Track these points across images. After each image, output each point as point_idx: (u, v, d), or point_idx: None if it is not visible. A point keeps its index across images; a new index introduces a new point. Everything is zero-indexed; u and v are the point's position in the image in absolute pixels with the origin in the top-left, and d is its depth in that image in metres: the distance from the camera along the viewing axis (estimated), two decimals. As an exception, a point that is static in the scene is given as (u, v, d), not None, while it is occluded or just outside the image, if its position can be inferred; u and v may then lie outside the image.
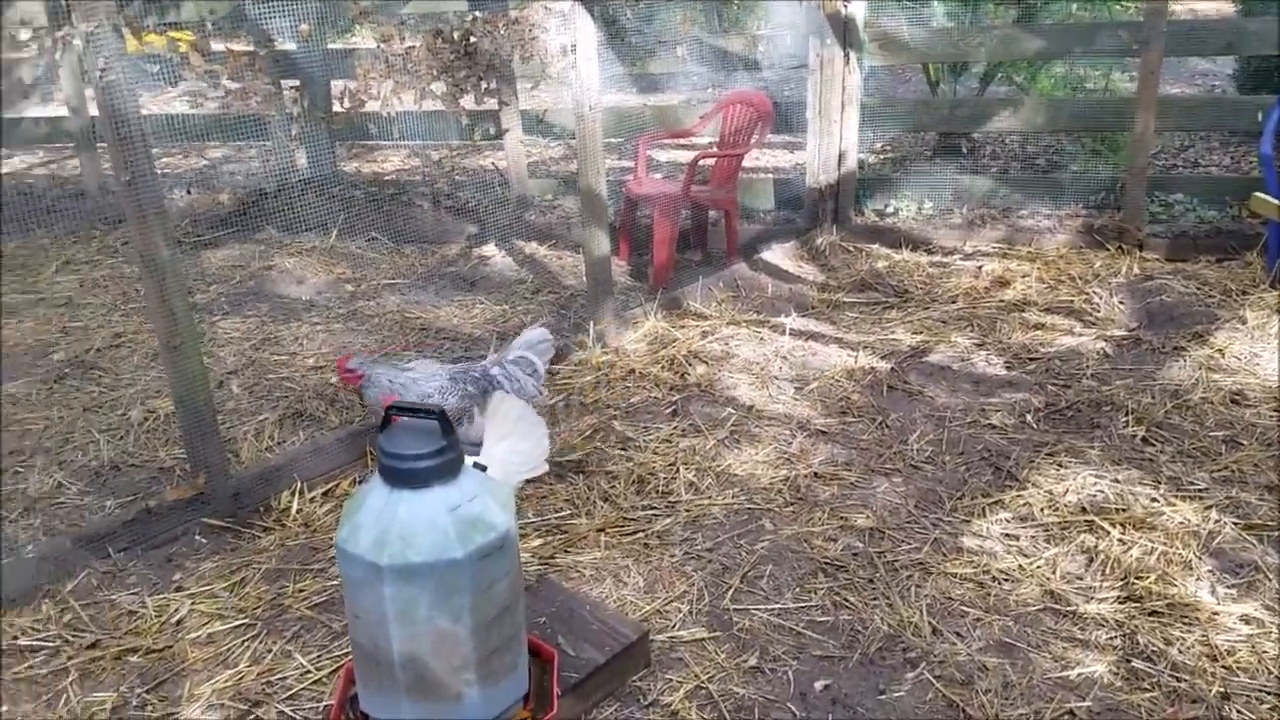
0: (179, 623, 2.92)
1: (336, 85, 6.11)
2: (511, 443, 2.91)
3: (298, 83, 6.35)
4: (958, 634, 2.80)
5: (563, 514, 3.41)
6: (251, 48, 5.68)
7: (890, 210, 6.28)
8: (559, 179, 6.97)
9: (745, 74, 6.64)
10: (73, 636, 2.86)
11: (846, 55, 5.67)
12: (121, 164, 3.07)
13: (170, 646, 2.83)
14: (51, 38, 4.24)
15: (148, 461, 3.77)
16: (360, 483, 3.52)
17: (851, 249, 5.86)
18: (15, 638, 2.82)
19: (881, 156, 7.52)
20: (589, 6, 4.23)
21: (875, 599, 2.97)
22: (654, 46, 6.90)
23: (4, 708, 2.61)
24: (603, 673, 2.57)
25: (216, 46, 4.88)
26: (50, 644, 2.81)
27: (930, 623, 2.84)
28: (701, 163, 5.48)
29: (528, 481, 3.54)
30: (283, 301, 5.32)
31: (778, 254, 5.73)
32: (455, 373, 3.61)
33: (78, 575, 3.10)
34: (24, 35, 4.44)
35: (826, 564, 3.13)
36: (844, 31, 5.63)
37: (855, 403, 4.12)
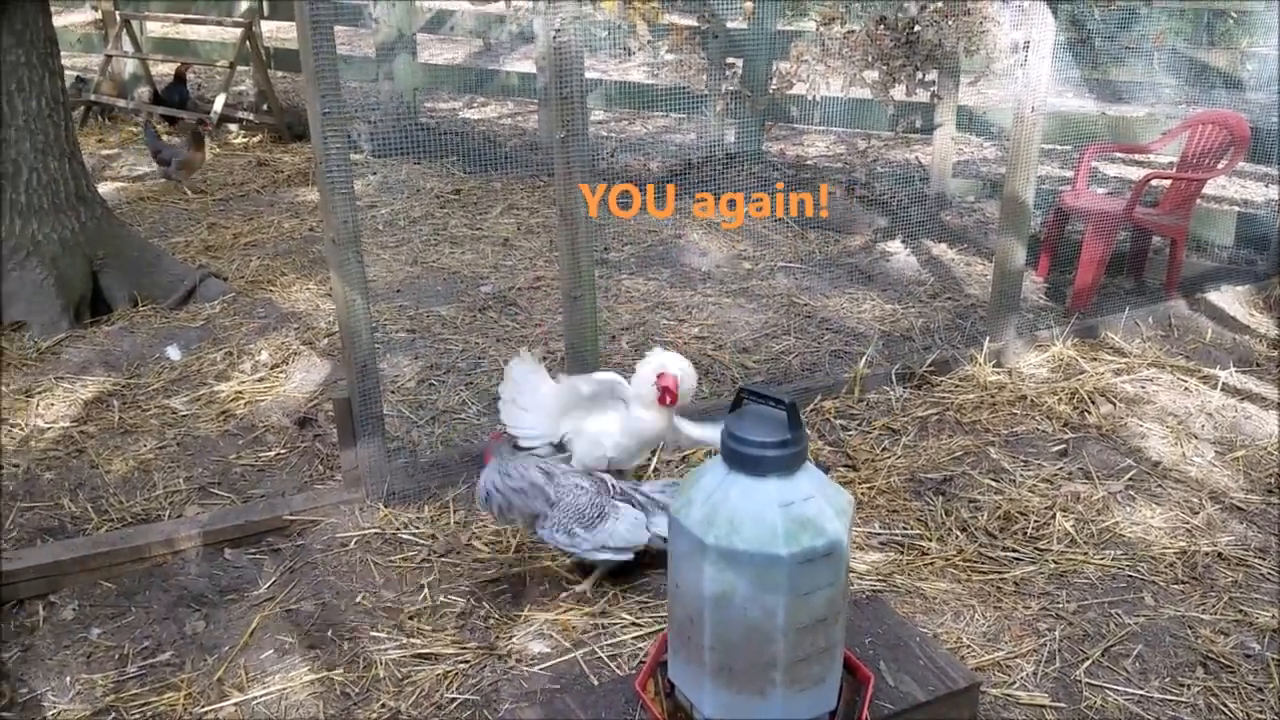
0: (528, 545, 3.13)
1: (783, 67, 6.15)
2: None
3: (738, 61, 6.49)
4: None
5: (912, 533, 3.21)
6: (695, 23, 5.88)
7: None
8: (985, 181, 6.57)
9: (1224, 93, 5.85)
10: (444, 536, 3.16)
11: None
12: (559, 121, 3.31)
13: (521, 567, 3.04)
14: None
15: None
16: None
17: (1323, 305, 4.97)
18: (397, 530, 3.18)
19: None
20: (1053, 5, 3.92)
21: (1262, 713, 2.50)
22: (1121, 53, 6.27)
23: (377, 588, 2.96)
24: (919, 711, 2.38)
25: (665, 19, 5.10)
26: (423, 541, 3.14)
27: (1332, 764, 2.35)
28: (1153, 183, 4.89)
29: (880, 493, 3.39)
30: (684, 270, 5.50)
31: (1227, 297, 5.00)
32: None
33: (459, 485, 3.43)
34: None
35: (1210, 658, 2.68)
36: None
37: (1290, 483, 3.49)
